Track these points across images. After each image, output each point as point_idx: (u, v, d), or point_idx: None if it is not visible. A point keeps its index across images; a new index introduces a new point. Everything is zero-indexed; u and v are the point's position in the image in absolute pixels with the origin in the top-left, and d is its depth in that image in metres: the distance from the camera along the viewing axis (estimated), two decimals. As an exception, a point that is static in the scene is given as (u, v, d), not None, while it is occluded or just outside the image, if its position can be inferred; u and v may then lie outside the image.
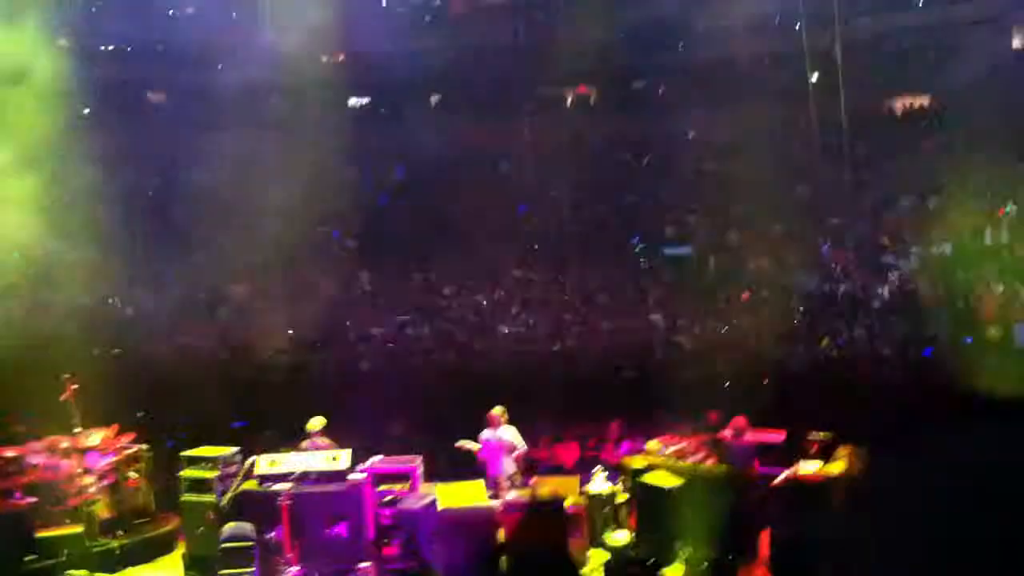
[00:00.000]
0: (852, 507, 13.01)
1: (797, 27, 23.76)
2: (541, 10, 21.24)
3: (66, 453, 14.20)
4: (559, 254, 19.52)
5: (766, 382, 16.85)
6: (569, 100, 23.34)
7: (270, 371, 17.33)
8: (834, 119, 22.22)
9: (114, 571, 13.59)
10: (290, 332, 17.97)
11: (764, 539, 13.18)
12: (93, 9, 19.80)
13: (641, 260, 20.29)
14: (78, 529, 13.54)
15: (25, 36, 15.59)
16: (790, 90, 21.43)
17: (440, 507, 13.33)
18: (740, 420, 14.35)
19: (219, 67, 18.30)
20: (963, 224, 19.49)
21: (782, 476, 13.69)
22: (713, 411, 15.44)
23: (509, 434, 14.45)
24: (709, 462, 14.43)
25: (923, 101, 28.83)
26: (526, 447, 14.61)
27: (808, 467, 13.74)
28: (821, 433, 14.44)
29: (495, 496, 13.75)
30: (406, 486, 13.88)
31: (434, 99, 21.36)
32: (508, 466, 14.37)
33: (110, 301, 16.16)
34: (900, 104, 29.16)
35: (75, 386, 14.33)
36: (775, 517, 13.39)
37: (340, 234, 19.68)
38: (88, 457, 14.27)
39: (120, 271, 16.36)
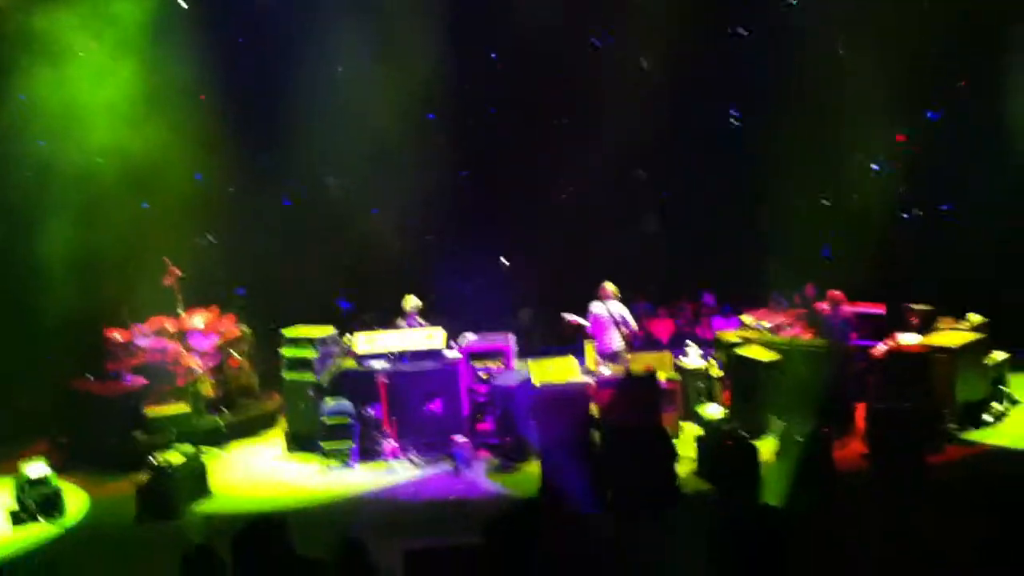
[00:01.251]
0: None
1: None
2: None
3: (171, 335, 14.67)
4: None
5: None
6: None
7: (373, 256, 17.48)
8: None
9: (219, 445, 14.12)
10: (383, 216, 17.99)
11: (860, 412, 13.02)
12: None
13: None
14: (185, 408, 14.06)
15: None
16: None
17: (534, 383, 13.44)
18: (836, 292, 14.09)
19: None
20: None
21: (880, 348, 13.45)
22: (809, 284, 15.19)
23: (619, 309, 14.44)
24: (806, 336, 14.26)
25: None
26: (636, 326, 14.59)
27: (908, 339, 13.47)
28: (921, 305, 14.16)
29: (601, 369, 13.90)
30: (500, 363, 14.06)
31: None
32: (616, 341, 14.37)
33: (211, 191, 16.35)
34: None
35: (176, 271, 14.71)
36: (872, 390, 13.22)
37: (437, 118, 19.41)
38: (192, 338, 14.73)
39: (222, 162, 16.48)
